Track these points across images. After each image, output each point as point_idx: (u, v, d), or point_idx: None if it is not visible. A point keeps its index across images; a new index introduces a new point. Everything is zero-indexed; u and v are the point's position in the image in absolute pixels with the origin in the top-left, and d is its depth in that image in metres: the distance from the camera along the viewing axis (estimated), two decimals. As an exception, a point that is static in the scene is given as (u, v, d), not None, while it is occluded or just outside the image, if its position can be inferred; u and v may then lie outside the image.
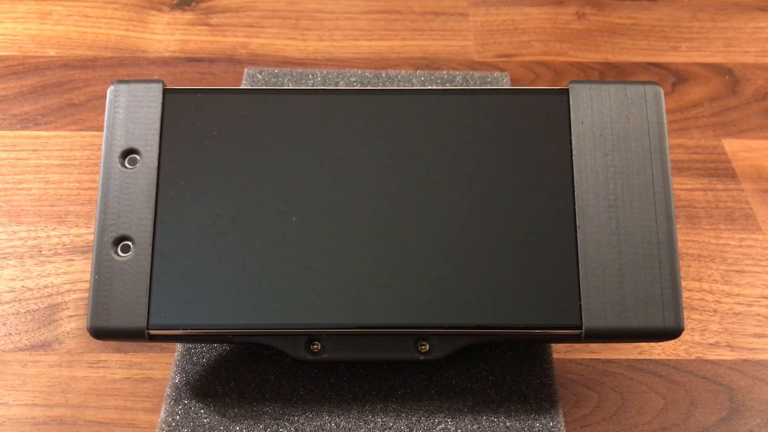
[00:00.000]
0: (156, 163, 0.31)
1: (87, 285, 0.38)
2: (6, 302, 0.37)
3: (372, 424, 0.32)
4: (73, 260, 0.39)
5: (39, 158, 0.43)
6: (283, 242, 0.30)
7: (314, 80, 0.47)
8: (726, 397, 0.35)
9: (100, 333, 0.29)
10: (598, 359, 0.36)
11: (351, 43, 0.51)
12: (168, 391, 0.33)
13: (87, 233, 0.40)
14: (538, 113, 0.32)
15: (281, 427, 0.32)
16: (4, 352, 0.35)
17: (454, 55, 0.51)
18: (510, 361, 0.34)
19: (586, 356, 0.36)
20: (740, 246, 0.40)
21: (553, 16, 0.54)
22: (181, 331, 0.30)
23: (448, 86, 0.47)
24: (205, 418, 0.32)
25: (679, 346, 0.36)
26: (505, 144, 0.31)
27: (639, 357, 0.36)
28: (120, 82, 0.32)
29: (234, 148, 0.31)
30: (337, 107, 0.32)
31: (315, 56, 0.50)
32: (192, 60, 0.50)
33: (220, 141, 0.31)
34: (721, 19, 0.54)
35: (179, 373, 0.34)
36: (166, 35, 0.51)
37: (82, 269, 0.38)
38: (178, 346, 0.35)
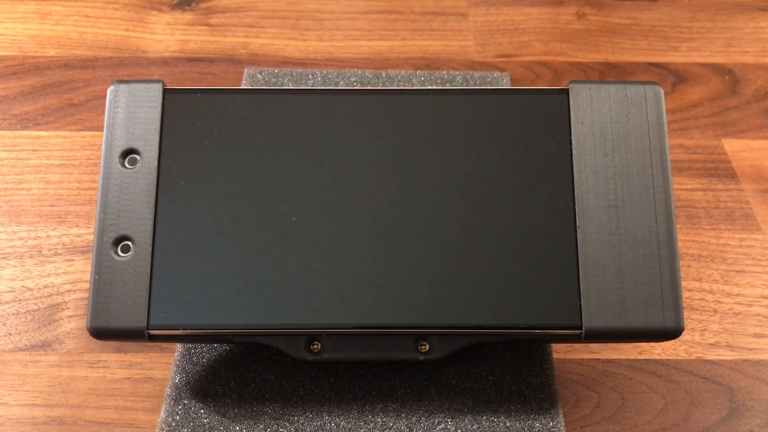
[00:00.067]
0: (156, 163, 0.31)
1: (87, 285, 0.38)
2: (6, 302, 0.37)
3: (372, 424, 0.32)
4: (73, 260, 0.39)
5: (39, 158, 0.43)
6: (283, 242, 0.30)
7: (314, 80, 0.47)
8: (726, 397, 0.35)
9: (100, 333, 0.29)
10: (598, 359, 0.36)
11: (351, 43, 0.51)
12: (168, 391, 0.33)
13: (87, 233, 0.40)
14: (538, 113, 0.32)
15: (281, 427, 0.32)
16: (4, 352, 0.35)
17: (454, 55, 0.51)
18: (510, 361, 0.34)
19: (586, 356, 0.36)
20: (740, 246, 0.40)
21: (553, 16, 0.54)
22: (181, 331, 0.30)
23: (448, 86, 0.47)
24: (205, 418, 0.32)
25: (679, 346, 0.36)
26: (505, 144, 0.31)
27: (639, 357, 0.36)
28: (120, 82, 0.32)
29: (234, 148, 0.31)
30: (337, 107, 0.32)
31: (315, 56, 0.50)
32: (192, 60, 0.50)
33: (220, 141, 0.31)
34: (721, 19, 0.54)
35: (179, 373, 0.34)
36: (166, 35, 0.51)
37: (82, 269, 0.38)
38: (178, 346, 0.35)
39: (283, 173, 0.31)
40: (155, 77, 0.49)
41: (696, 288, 0.39)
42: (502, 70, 0.50)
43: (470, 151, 0.31)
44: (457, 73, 0.48)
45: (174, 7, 0.53)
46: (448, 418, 0.32)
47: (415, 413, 0.33)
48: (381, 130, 0.32)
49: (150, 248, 0.30)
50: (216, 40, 0.51)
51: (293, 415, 0.33)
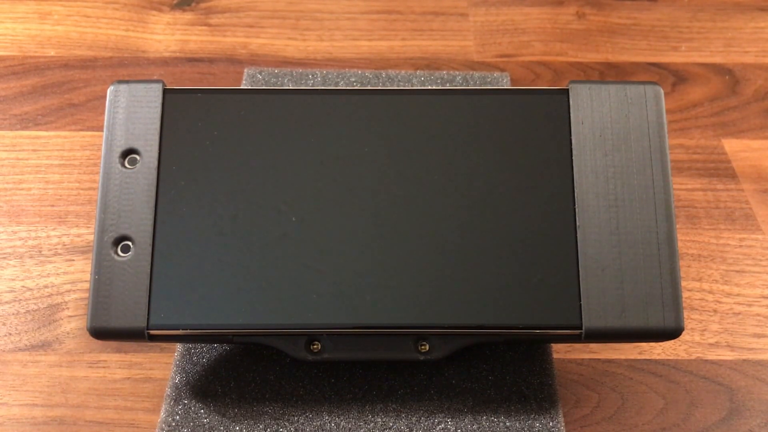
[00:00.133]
0: (156, 163, 0.31)
1: (87, 285, 0.38)
2: (6, 302, 0.37)
3: (372, 424, 0.32)
4: (73, 260, 0.39)
5: (39, 158, 0.43)
6: (283, 242, 0.30)
7: (314, 80, 0.47)
8: (726, 397, 0.35)
9: (100, 333, 0.29)
10: (598, 359, 0.36)
11: (351, 43, 0.51)
12: (168, 391, 0.33)
13: (87, 233, 0.40)
14: (538, 113, 0.32)
15: (281, 427, 0.32)
16: (4, 352, 0.35)
17: (454, 55, 0.51)
18: (510, 361, 0.34)
19: (586, 356, 0.36)
20: (740, 246, 0.40)
21: (553, 16, 0.54)
22: (181, 331, 0.30)
23: (448, 86, 0.47)
24: (205, 418, 0.32)
25: (679, 346, 0.36)
26: (505, 144, 0.31)
27: (639, 357, 0.36)
28: (120, 82, 0.32)
29: (234, 148, 0.31)
30: (337, 107, 0.32)
31: (315, 56, 0.50)
32: (192, 60, 0.50)
33: (220, 141, 0.31)
34: (721, 19, 0.54)
35: (179, 373, 0.34)
36: (166, 35, 0.51)
37: (82, 269, 0.38)
38: (178, 346, 0.35)
39: (283, 173, 0.31)
40: (155, 77, 0.49)
41: (696, 288, 0.39)
42: (502, 70, 0.50)
43: (470, 151, 0.31)
44: (457, 73, 0.48)
45: (174, 7, 0.53)
46: (448, 418, 0.32)
47: (415, 413, 0.33)
48: (381, 130, 0.32)
49: (150, 248, 0.30)
50: (216, 40, 0.51)
51: (293, 415, 0.33)
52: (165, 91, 0.32)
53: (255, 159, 0.31)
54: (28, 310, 0.37)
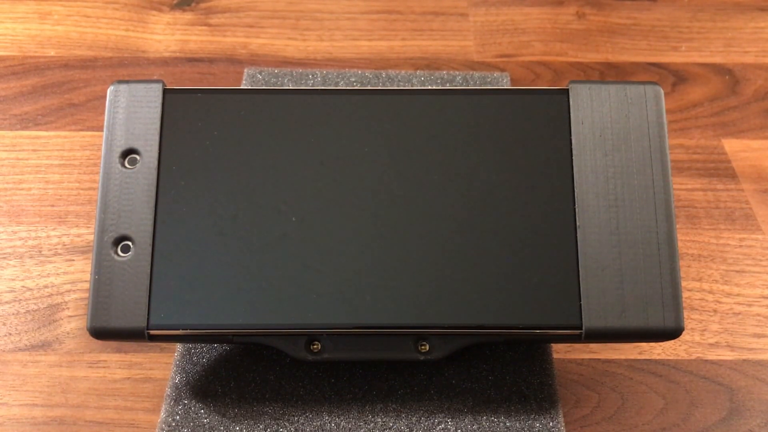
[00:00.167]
0: (156, 163, 0.31)
1: (87, 285, 0.38)
2: (6, 302, 0.37)
3: (372, 424, 0.32)
4: (73, 260, 0.39)
5: (39, 158, 0.43)
6: (283, 242, 0.30)
7: (314, 80, 0.47)
8: (726, 397, 0.35)
9: (100, 333, 0.29)
10: (598, 359, 0.36)
11: (351, 43, 0.51)
12: (168, 391, 0.33)
13: (87, 233, 0.40)
14: (538, 113, 0.32)
15: (281, 427, 0.32)
16: (4, 352, 0.35)
17: (454, 55, 0.51)
18: (510, 361, 0.34)
19: (586, 356, 0.36)
20: (740, 246, 0.40)
21: (553, 16, 0.54)
22: (181, 331, 0.30)
23: (448, 86, 0.47)
24: (205, 418, 0.32)
25: (679, 346, 0.36)
26: (505, 144, 0.31)
27: (639, 357, 0.36)
28: (120, 82, 0.32)
29: (234, 148, 0.31)
30: (337, 107, 0.32)
31: (315, 56, 0.50)
32: (192, 60, 0.50)
33: (220, 141, 0.31)
34: (721, 19, 0.54)
35: (179, 373, 0.34)
36: (166, 35, 0.51)
37: (82, 269, 0.38)
38: (178, 346, 0.35)
39: (283, 173, 0.31)
40: (155, 77, 0.49)
41: (696, 288, 0.39)
42: (502, 70, 0.50)
43: (470, 151, 0.31)
44: (457, 73, 0.48)
45: (174, 7, 0.53)
46: (448, 418, 0.32)
47: (415, 413, 0.33)
48: (381, 130, 0.32)
49: (150, 248, 0.30)
50: (216, 40, 0.51)
51: (293, 415, 0.33)
52: (165, 91, 0.32)
53: (255, 159, 0.31)
54: (28, 310, 0.37)
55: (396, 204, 0.31)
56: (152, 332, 0.29)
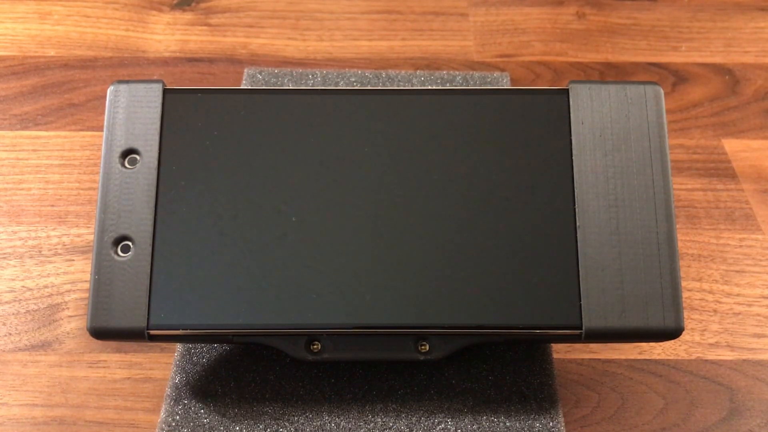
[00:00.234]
0: (156, 163, 0.31)
1: (87, 285, 0.38)
2: (6, 302, 0.37)
3: (372, 424, 0.32)
4: (73, 260, 0.39)
5: (39, 158, 0.43)
6: (283, 242, 0.30)
7: (314, 80, 0.47)
8: (726, 397, 0.35)
9: (100, 333, 0.29)
10: (598, 359, 0.36)
11: (351, 43, 0.51)
12: (168, 391, 0.33)
13: (87, 233, 0.40)
14: (538, 113, 0.32)
15: (281, 427, 0.32)
16: (4, 352, 0.35)
17: (454, 55, 0.51)
18: (510, 361, 0.34)
19: (586, 356, 0.36)
20: (740, 246, 0.40)
21: (553, 16, 0.54)
22: (181, 331, 0.30)
23: (448, 86, 0.47)
24: (205, 418, 0.32)
25: (679, 346, 0.36)
26: (505, 144, 0.31)
27: (639, 357, 0.36)
28: (120, 82, 0.32)
29: (234, 148, 0.31)
30: (337, 107, 0.32)
31: (315, 56, 0.50)
32: (192, 60, 0.50)
33: (220, 141, 0.31)
34: (721, 19, 0.54)
35: (179, 373, 0.34)
36: (166, 35, 0.51)
37: (82, 269, 0.38)
38: (178, 346, 0.35)
39: (283, 173, 0.31)
40: (155, 77, 0.49)
41: (696, 288, 0.39)
42: (502, 70, 0.50)
43: (470, 151, 0.31)
44: (457, 73, 0.48)
45: (174, 7, 0.53)
46: (448, 418, 0.32)
47: (415, 413, 0.33)
48: (381, 130, 0.32)
49: (150, 248, 0.30)
50: (216, 40, 0.51)
51: (293, 415, 0.33)
52: (165, 91, 0.32)
53: (255, 159, 0.31)
54: (28, 310, 0.37)
55: (396, 204, 0.31)
56: (152, 332, 0.29)
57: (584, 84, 0.32)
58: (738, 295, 0.38)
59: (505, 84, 0.48)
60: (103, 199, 0.30)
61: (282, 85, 0.46)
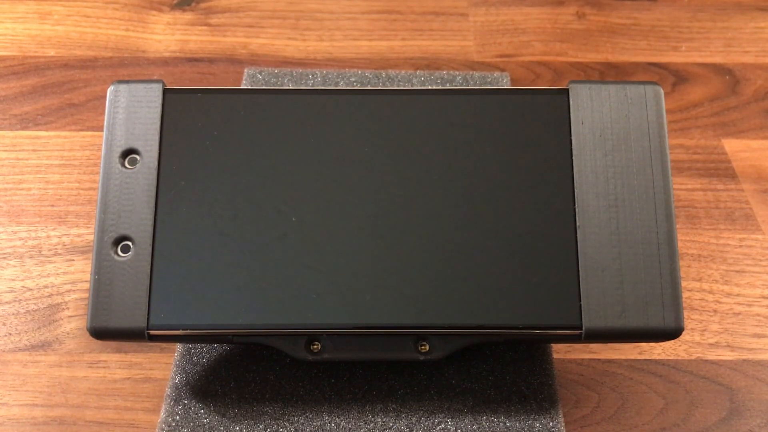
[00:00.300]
0: (156, 163, 0.31)
1: (87, 285, 0.38)
2: (6, 302, 0.37)
3: (372, 424, 0.32)
4: (73, 260, 0.39)
5: (39, 158, 0.43)
6: (283, 242, 0.30)
7: (314, 80, 0.47)
8: (726, 397, 0.35)
9: (100, 333, 0.29)
10: (598, 359, 0.36)
11: (351, 43, 0.51)
12: (168, 391, 0.33)
13: (87, 233, 0.40)
14: (538, 113, 0.32)
15: (281, 427, 0.32)
16: (4, 352, 0.35)
17: (454, 55, 0.51)
18: (510, 361, 0.34)
19: (586, 356, 0.36)
20: (740, 246, 0.40)
21: (553, 16, 0.54)
22: (181, 331, 0.30)
23: (448, 86, 0.47)
24: (205, 418, 0.32)
25: (679, 346, 0.36)
26: (505, 144, 0.31)
27: (639, 357, 0.36)
28: (120, 82, 0.32)
29: (234, 148, 0.31)
30: (337, 107, 0.32)
31: (315, 56, 0.50)
32: (192, 60, 0.50)
33: (220, 141, 0.31)
34: (721, 19, 0.54)
35: (179, 373, 0.34)
36: (166, 35, 0.51)
37: (82, 269, 0.38)
38: (178, 346, 0.35)
39: (283, 173, 0.31)
40: (155, 77, 0.49)
41: (696, 288, 0.39)
42: (502, 70, 0.50)
43: (470, 151, 0.31)
44: (457, 73, 0.48)
45: (174, 7, 0.53)
46: (448, 418, 0.32)
47: (415, 413, 0.33)
48: (381, 130, 0.32)
49: (150, 248, 0.30)
50: (216, 40, 0.51)
51: (293, 415, 0.33)
52: (165, 91, 0.32)
53: (255, 159, 0.31)
54: (28, 310, 0.37)
55: (396, 204, 0.31)
56: (152, 332, 0.29)
57: (584, 84, 0.32)
58: (738, 295, 0.38)
59: (505, 84, 0.48)
60: (103, 199, 0.30)
61: (282, 85, 0.46)
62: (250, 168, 0.31)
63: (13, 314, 0.37)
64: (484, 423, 0.32)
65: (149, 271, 0.30)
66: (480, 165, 0.31)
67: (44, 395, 0.34)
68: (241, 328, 0.30)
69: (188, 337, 0.31)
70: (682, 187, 0.43)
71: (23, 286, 0.38)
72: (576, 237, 0.30)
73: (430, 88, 0.42)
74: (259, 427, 0.32)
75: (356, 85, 0.46)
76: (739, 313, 0.38)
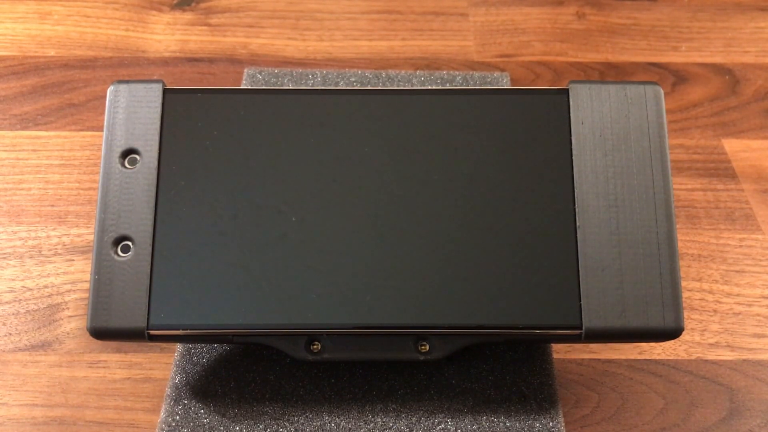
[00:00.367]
0: (156, 163, 0.31)
1: (87, 285, 0.38)
2: (6, 302, 0.37)
3: (372, 424, 0.32)
4: (73, 260, 0.39)
5: (39, 158, 0.43)
6: (283, 242, 0.30)
7: (314, 80, 0.47)
8: (726, 397, 0.35)
9: (100, 333, 0.29)
10: (598, 359, 0.36)
11: (351, 43, 0.51)
12: (168, 391, 0.33)
13: (87, 233, 0.40)
14: (538, 113, 0.32)
15: (281, 427, 0.32)
16: (4, 352, 0.35)
17: (454, 55, 0.51)
18: (510, 361, 0.34)
19: (586, 356, 0.36)
20: (740, 246, 0.40)
21: (553, 16, 0.54)
22: (181, 331, 0.30)
23: (448, 86, 0.47)
24: (205, 418, 0.32)
25: (679, 346, 0.36)
26: (505, 144, 0.31)
27: (639, 357, 0.36)
28: (120, 82, 0.32)
29: (234, 148, 0.31)
30: (337, 107, 0.32)
31: (315, 56, 0.50)
32: (192, 60, 0.50)
33: (220, 141, 0.31)
34: (721, 19, 0.54)
35: (179, 373, 0.34)
36: (166, 35, 0.51)
37: (82, 269, 0.38)
38: (178, 346, 0.35)
39: (283, 173, 0.31)
40: (155, 77, 0.49)
41: (696, 288, 0.39)
42: (502, 70, 0.50)
43: (470, 151, 0.31)
44: (457, 73, 0.48)
45: (174, 7, 0.53)
46: (448, 418, 0.32)
47: (415, 413, 0.33)
48: (381, 130, 0.32)
49: (150, 248, 0.30)
50: (216, 40, 0.51)
51: (293, 415, 0.33)
52: (165, 91, 0.32)
53: (255, 159, 0.31)
54: (28, 310, 0.37)
55: (396, 204, 0.31)
56: (152, 332, 0.29)
57: (584, 84, 0.32)
58: (738, 295, 0.38)
59: (505, 84, 0.48)
60: (103, 199, 0.30)
61: (282, 85, 0.46)
62: (250, 168, 0.31)
63: (13, 314, 0.37)
64: (484, 423, 0.32)
65: (149, 271, 0.30)
66: (480, 165, 0.31)
67: (44, 395, 0.34)
68: (241, 328, 0.30)
69: (188, 337, 0.31)
70: (682, 187, 0.43)
71: (23, 286, 0.38)
72: (576, 237, 0.30)
73: (430, 88, 0.42)
74: (259, 427, 0.32)
75: (356, 85, 0.46)
76: (739, 313, 0.38)
